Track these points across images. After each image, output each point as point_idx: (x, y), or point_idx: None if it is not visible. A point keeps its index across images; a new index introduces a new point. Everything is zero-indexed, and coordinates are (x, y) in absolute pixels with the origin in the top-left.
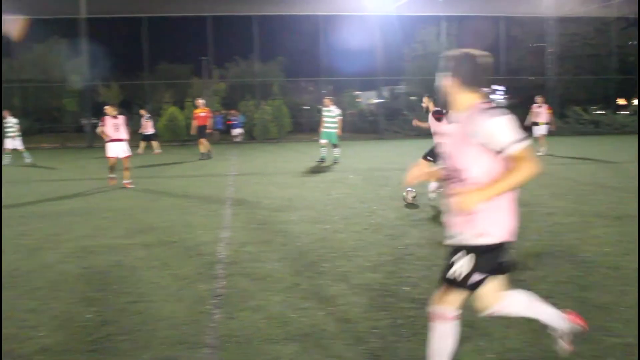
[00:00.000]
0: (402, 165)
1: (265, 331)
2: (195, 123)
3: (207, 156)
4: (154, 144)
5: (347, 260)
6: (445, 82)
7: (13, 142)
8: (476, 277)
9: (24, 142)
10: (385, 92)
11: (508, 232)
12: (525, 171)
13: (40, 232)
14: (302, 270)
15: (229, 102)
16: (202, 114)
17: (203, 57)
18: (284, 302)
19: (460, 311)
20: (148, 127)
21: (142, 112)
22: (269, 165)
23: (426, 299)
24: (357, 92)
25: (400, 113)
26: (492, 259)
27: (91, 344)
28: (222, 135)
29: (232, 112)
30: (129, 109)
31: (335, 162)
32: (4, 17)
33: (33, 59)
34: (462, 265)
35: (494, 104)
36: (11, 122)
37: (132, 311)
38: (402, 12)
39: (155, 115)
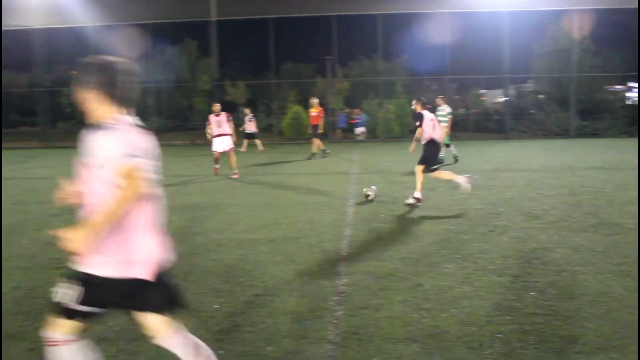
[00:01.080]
0: (528, 166)
1: (386, 330)
2: (312, 122)
3: (317, 155)
4: (257, 142)
5: (471, 262)
6: (80, 93)
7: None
8: (79, 307)
9: (158, 139)
10: (512, 91)
11: (134, 266)
12: (126, 193)
13: (172, 225)
14: (425, 271)
15: (352, 100)
16: (314, 114)
17: (327, 57)
18: (405, 302)
19: (76, 336)
20: (251, 126)
21: (246, 111)
22: (391, 163)
23: (554, 306)
24: (482, 91)
25: (527, 112)
26: (105, 292)
27: (218, 333)
28: (345, 133)
29: (356, 110)
30: (255, 108)
31: (451, 162)
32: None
33: (166, 60)
34: (64, 292)
35: (125, 121)
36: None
37: (257, 304)
38: (531, 8)
39: (280, 113)
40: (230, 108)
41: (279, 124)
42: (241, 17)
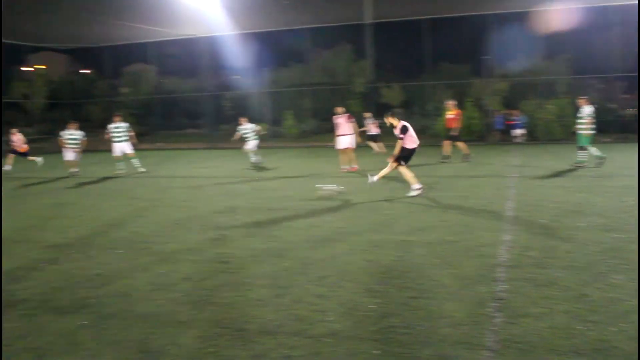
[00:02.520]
0: None
1: (549, 341)
2: (448, 125)
3: (450, 159)
4: (374, 144)
5: None
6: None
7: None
8: None
9: (309, 141)
10: None
11: None
12: None
13: (329, 225)
14: (590, 281)
15: (510, 101)
16: (451, 116)
17: (484, 56)
18: (569, 313)
19: None
20: (372, 128)
21: (366, 114)
22: (552, 166)
23: None
24: None
25: None
26: None
27: (374, 333)
28: (502, 135)
29: (513, 112)
30: (410, 109)
31: (580, 166)
32: None
33: (322, 64)
34: None
35: None
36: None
37: (413, 306)
38: None
39: (436, 115)
40: (385, 110)
41: (434, 126)
42: (396, 19)
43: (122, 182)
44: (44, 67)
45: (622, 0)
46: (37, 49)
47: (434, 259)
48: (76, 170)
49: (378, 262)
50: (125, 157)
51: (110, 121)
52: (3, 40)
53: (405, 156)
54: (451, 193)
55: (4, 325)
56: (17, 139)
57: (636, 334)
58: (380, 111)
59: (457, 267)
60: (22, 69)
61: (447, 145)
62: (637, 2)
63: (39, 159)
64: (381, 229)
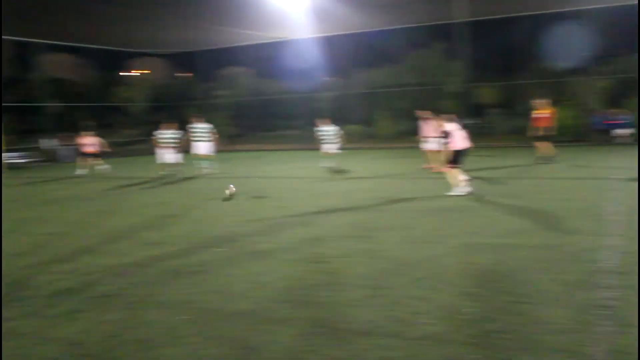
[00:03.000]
0: None
1: None
2: (536, 124)
3: (542, 160)
4: None
5: None
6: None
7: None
8: None
9: (402, 142)
10: None
11: None
12: None
13: (424, 227)
14: None
15: (612, 100)
16: (544, 115)
17: (584, 53)
18: None
19: None
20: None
21: (451, 117)
22: None
23: None
24: None
25: None
26: None
27: (471, 337)
28: (603, 135)
29: (616, 111)
30: (505, 109)
31: None
32: None
33: (415, 64)
34: None
35: None
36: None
37: (512, 311)
38: None
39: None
40: (478, 111)
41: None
42: (491, 17)
43: (220, 181)
44: (146, 71)
45: None
46: (140, 55)
47: (534, 263)
48: (171, 170)
49: (475, 264)
50: (203, 158)
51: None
52: (112, 47)
53: (456, 158)
54: (548, 195)
55: (109, 316)
56: (90, 141)
57: None
58: (474, 112)
59: (558, 272)
60: (126, 73)
61: (542, 146)
62: (636, 2)
63: (105, 167)
64: (477, 231)
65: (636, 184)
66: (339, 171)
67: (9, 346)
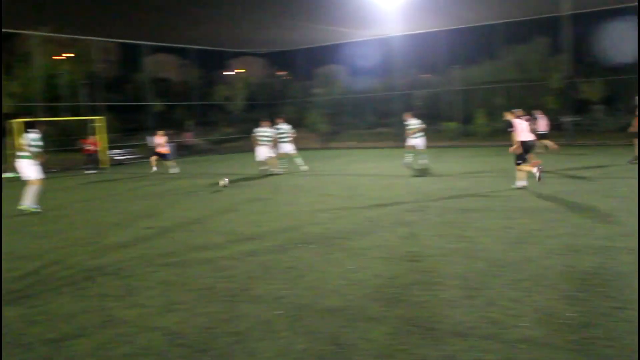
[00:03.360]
0: None
1: None
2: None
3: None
4: (548, 142)
5: None
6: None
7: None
8: None
9: (501, 140)
10: None
11: None
12: None
13: (523, 227)
14: None
15: None
16: None
17: None
18: None
19: None
20: (541, 126)
21: (536, 112)
22: None
23: None
24: None
25: None
26: None
27: (573, 343)
28: None
29: None
30: (612, 105)
31: None
32: None
33: (515, 59)
34: None
35: None
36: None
37: (618, 317)
38: None
39: None
40: (581, 107)
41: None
42: (595, 9)
43: (313, 179)
44: (244, 70)
45: None
46: (238, 54)
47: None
48: (269, 167)
49: (577, 267)
50: (287, 156)
51: (290, 122)
52: (208, 47)
53: (524, 150)
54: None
55: (206, 309)
56: (160, 141)
57: None
58: (577, 108)
59: None
60: (225, 73)
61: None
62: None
63: (175, 169)
64: (579, 232)
65: None
66: (425, 168)
67: (114, 333)
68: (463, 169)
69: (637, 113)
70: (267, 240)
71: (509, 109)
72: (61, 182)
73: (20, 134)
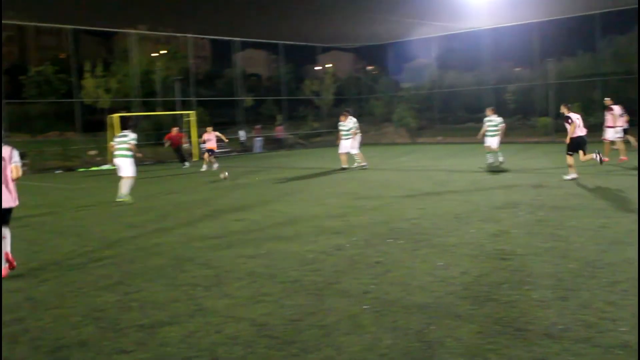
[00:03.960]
0: None
1: None
2: None
3: None
4: (630, 138)
5: None
6: None
7: (491, 141)
8: None
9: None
10: None
11: None
12: None
13: (620, 226)
14: None
15: None
16: None
17: None
18: None
19: None
20: (620, 121)
21: (609, 102)
22: None
23: None
24: None
25: None
26: None
27: None
28: None
29: None
30: None
31: None
32: None
33: (614, 51)
34: None
35: None
36: (495, 120)
37: None
38: None
39: None
40: None
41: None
42: None
43: (400, 174)
44: (331, 65)
45: None
46: (327, 49)
47: None
48: (356, 162)
49: None
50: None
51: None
52: (297, 42)
53: (573, 145)
54: None
55: (292, 301)
56: (209, 137)
57: None
58: None
59: None
60: (314, 68)
61: None
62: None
63: (216, 165)
64: None
65: None
66: (497, 166)
67: (203, 321)
68: (555, 165)
69: None
70: (354, 234)
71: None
72: (154, 174)
73: (116, 128)
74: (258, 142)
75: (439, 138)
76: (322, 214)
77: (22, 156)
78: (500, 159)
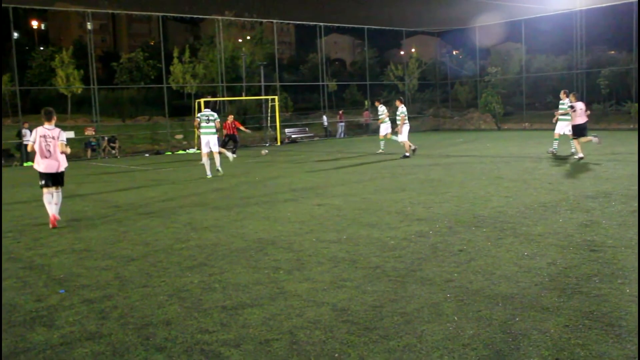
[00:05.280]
0: None
1: None
2: None
3: None
4: None
5: None
6: None
7: (562, 126)
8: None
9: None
10: None
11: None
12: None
13: None
14: None
15: None
16: None
17: None
18: None
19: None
20: None
21: None
22: None
23: None
24: None
25: None
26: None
27: None
28: None
29: None
30: None
31: None
32: None
33: None
34: None
35: None
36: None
37: None
38: None
39: None
40: None
41: None
42: None
43: (485, 161)
44: (416, 50)
45: None
46: (411, 34)
47: None
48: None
49: None
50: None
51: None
52: (381, 27)
53: (577, 130)
54: None
55: (373, 287)
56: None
57: None
58: None
59: None
60: (398, 52)
61: None
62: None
63: (230, 154)
64: None
65: None
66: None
67: (285, 305)
68: None
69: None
70: (437, 222)
71: None
72: (239, 159)
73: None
74: (341, 127)
75: (526, 124)
76: (404, 200)
77: (113, 140)
78: (572, 149)
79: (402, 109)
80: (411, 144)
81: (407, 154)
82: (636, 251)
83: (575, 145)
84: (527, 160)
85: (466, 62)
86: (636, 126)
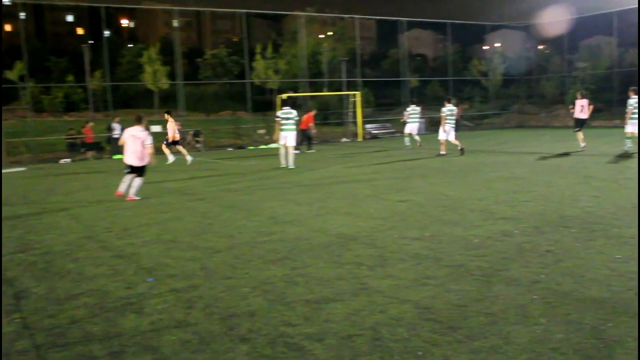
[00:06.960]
0: None
1: None
2: None
3: None
4: None
5: None
6: None
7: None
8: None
9: None
10: None
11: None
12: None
13: None
14: None
15: None
16: None
17: None
18: None
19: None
20: None
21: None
22: None
23: None
24: None
25: None
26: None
27: None
28: None
29: None
30: None
31: None
32: None
33: None
34: None
35: None
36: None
37: None
38: None
39: None
40: None
41: None
42: None
43: (573, 159)
44: (500, 44)
45: None
46: (495, 28)
47: None
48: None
49: None
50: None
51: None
52: (464, 22)
53: (577, 124)
54: None
55: (457, 286)
56: (170, 126)
57: None
58: None
59: None
60: (481, 47)
61: None
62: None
63: (189, 158)
64: None
65: None
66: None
67: (367, 301)
68: None
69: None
70: (523, 221)
71: None
72: (320, 153)
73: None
74: (421, 123)
75: (617, 122)
76: (488, 198)
77: (197, 134)
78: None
79: (445, 108)
80: (443, 149)
81: (442, 152)
82: None
83: (579, 136)
84: (618, 158)
85: (553, 56)
86: None
